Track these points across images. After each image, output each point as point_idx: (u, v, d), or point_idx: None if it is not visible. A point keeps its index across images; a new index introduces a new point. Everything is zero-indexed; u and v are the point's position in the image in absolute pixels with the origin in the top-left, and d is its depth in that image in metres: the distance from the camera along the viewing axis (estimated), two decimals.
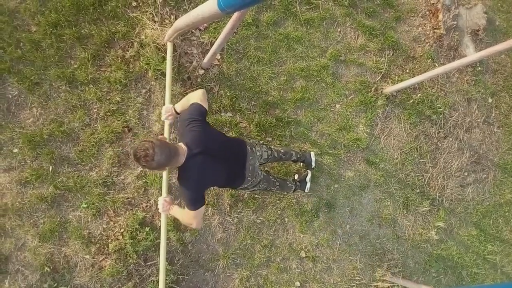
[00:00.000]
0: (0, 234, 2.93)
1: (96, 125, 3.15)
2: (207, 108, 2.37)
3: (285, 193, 3.44)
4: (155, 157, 1.93)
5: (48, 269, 2.97)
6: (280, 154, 3.09)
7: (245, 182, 2.63)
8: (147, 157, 1.93)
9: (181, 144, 2.19)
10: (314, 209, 3.56)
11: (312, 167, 3.44)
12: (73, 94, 3.11)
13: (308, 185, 3.38)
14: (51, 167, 3.05)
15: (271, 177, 2.99)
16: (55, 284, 2.97)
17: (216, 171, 2.35)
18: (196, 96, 2.39)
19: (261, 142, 3.07)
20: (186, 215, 2.30)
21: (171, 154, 2.04)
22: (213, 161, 2.29)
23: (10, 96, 3.01)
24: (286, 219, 3.50)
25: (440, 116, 3.96)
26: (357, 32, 3.86)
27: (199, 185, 2.26)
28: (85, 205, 3.08)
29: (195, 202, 2.21)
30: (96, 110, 3.16)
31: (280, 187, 3.08)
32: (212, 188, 3.30)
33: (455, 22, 4.02)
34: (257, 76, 3.52)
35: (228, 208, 3.36)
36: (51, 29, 3.07)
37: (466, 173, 4.02)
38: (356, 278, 3.59)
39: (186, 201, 2.23)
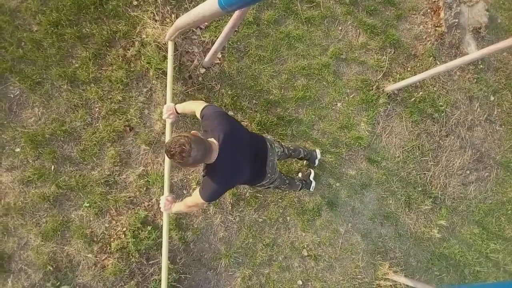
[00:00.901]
0: (3, 233, 2.94)
1: (97, 124, 3.16)
2: None
3: (292, 191, 3.43)
4: (192, 153, 1.86)
5: (51, 268, 2.97)
6: (290, 151, 3.08)
7: (265, 179, 2.57)
8: (183, 153, 1.84)
9: (212, 139, 2.11)
10: (316, 207, 3.56)
11: (315, 165, 3.43)
12: (74, 94, 3.12)
13: (313, 184, 3.39)
14: (53, 166, 3.05)
15: (282, 174, 2.98)
16: (58, 283, 2.98)
17: (243, 167, 2.29)
18: (201, 103, 2.33)
19: (275, 138, 3.04)
20: (191, 199, 2.25)
21: (207, 150, 1.97)
22: (240, 157, 2.23)
23: (12, 96, 3.02)
24: (288, 218, 3.50)
25: (442, 114, 3.95)
26: (358, 30, 3.85)
27: (228, 182, 2.23)
28: (87, 204, 3.08)
29: (214, 196, 2.18)
30: (97, 109, 3.17)
31: (289, 185, 3.07)
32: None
33: (457, 20, 4.01)
34: (258, 75, 3.52)
35: (230, 207, 3.36)
36: (52, 29, 3.07)
37: (468, 171, 4.01)
38: (358, 276, 3.59)
39: (207, 193, 2.14)
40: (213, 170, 2.12)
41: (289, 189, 3.25)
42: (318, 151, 3.45)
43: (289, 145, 3.14)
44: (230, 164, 2.15)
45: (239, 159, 2.21)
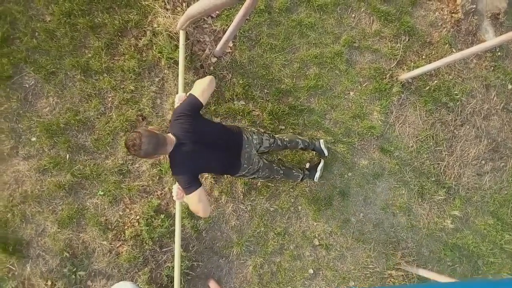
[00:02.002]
0: (21, 220, 3.02)
1: (111, 114, 3.19)
2: (203, 102, 2.40)
3: (292, 181, 3.43)
4: (142, 147, 2.07)
5: (68, 254, 3.05)
6: (285, 143, 3.09)
7: (242, 170, 2.68)
8: (135, 147, 2.08)
9: (169, 134, 2.30)
10: (328, 197, 3.55)
11: (325, 155, 3.41)
12: (88, 83, 3.15)
13: (318, 174, 3.34)
14: (68, 155, 3.11)
15: (274, 165, 2.99)
16: (74, 269, 3.06)
17: (206, 157, 2.43)
18: (200, 86, 2.43)
19: (262, 131, 3.07)
20: (190, 202, 2.36)
21: (159, 144, 2.16)
22: (203, 149, 2.38)
23: (27, 86, 3.07)
24: (300, 207, 3.51)
25: (457, 103, 3.87)
26: (372, 17, 3.77)
27: (188, 168, 2.34)
28: (102, 193, 3.14)
29: (189, 185, 2.29)
30: (110, 99, 3.20)
31: (284, 175, 3.09)
32: (225, 176, 3.32)
33: (474, 6, 3.89)
34: (269, 64, 3.50)
35: (242, 196, 3.37)
36: (65, 19, 3.10)
37: (483, 161, 3.94)
38: (370, 266, 3.59)
39: (181, 187, 2.34)
40: (172, 162, 2.36)
41: (286, 179, 3.26)
42: (322, 142, 3.38)
43: (284, 137, 3.12)
44: (186, 155, 2.32)
45: (199, 150, 2.36)
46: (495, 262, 3.87)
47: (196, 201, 2.31)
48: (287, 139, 3.13)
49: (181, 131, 2.32)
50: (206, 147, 2.41)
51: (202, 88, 2.41)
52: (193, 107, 2.39)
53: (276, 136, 3.07)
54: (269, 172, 2.93)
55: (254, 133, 2.84)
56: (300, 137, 3.32)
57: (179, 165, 2.35)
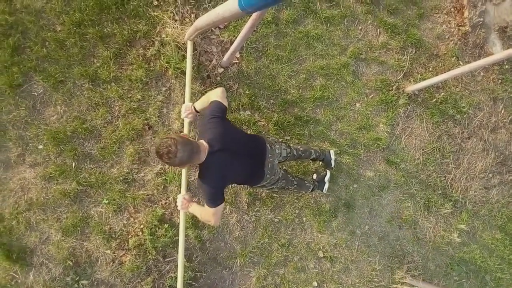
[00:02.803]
0: (25, 227, 3.02)
1: (117, 123, 3.21)
2: (227, 106, 2.37)
3: (303, 192, 3.42)
4: (178, 154, 1.95)
5: (71, 263, 3.04)
6: (299, 152, 3.06)
7: (264, 180, 2.62)
8: (170, 154, 1.94)
9: (202, 141, 2.20)
10: (333, 209, 3.52)
11: (332, 166, 3.40)
12: (95, 92, 3.18)
13: (327, 185, 3.34)
14: (74, 163, 3.12)
15: (289, 175, 2.97)
16: (77, 278, 3.05)
17: (236, 168, 2.34)
18: (216, 94, 2.39)
19: (280, 140, 3.06)
20: (205, 212, 2.31)
21: (193, 151, 2.05)
22: (233, 158, 2.29)
23: (36, 94, 3.10)
24: (304, 219, 3.48)
25: (464, 115, 3.85)
26: (378, 29, 3.78)
27: (220, 182, 2.26)
28: (106, 201, 3.14)
29: (215, 199, 2.21)
30: (117, 108, 3.22)
31: (298, 186, 3.06)
32: (230, 185, 3.32)
33: (482, 19, 3.89)
34: (276, 75, 3.51)
35: (246, 207, 3.36)
36: (75, 28, 3.14)
37: (490, 175, 3.89)
38: (375, 279, 3.54)
39: (206, 198, 2.24)
40: (203, 171, 2.22)
41: (299, 190, 3.24)
42: (332, 152, 3.39)
43: (299, 146, 3.11)
44: (220, 165, 2.22)
45: (230, 160, 2.27)
46: (503, 278, 3.81)
47: (212, 213, 2.24)
48: (301, 149, 3.11)
49: (214, 136, 2.21)
50: (235, 156, 2.31)
51: (219, 95, 2.37)
52: (220, 110, 2.31)
53: (291, 145, 3.04)
54: (285, 182, 2.88)
55: (276, 142, 2.80)
56: (312, 147, 3.32)
57: (209, 177, 2.22)
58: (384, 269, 3.58)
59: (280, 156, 2.79)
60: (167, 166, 3.24)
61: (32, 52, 3.07)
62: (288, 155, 2.89)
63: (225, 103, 2.37)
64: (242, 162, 2.39)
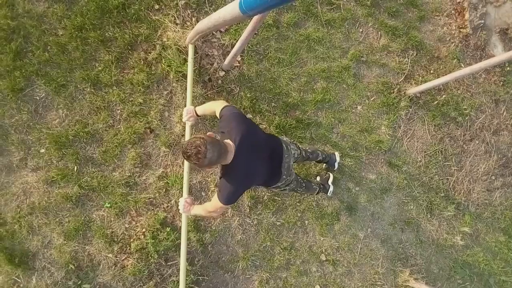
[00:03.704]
0: (28, 231, 3.02)
1: (119, 126, 3.21)
2: None
3: (309, 194, 3.40)
4: (208, 154, 1.87)
5: (73, 267, 3.04)
6: (308, 154, 3.05)
7: (280, 181, 2.55)
8: (199, 154, 1.86)
9: (228, 141, 2.12)
10: (335, 212, 3.51)
11: (334, 169, 3.39)
12: (97, 96, 3.18)
13: (331, 188, 3.35)
14: (76, 167, 3.12)
15: (299, 177, 2.96)
16: (79, 282, 3.04)
17: (259, 168, 2.30)
18: (222, 103, 2.34)
19: (291, 140, 3.03)
20: (211, 204, 2.25)
21: (222, 151, 1.98)
22: (256, 159, 2.24)
23: (38, 98, 3.11)
24: (306, 222, 3.47)
25: (466, 118, 3.84)
26: (379, 32, 3.79)
27: (244, 183, 2.23)
28: (108, 205, 3.14)
29: (233, 198, 2.17)
30: (119, 111, 3.22)
31: (306, 188, 3.04)
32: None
33: (483, 21, 3.89)
34: (277, 78, 3.51)
35: (248, 210, 3.35)
36: (76, 33, 3.15)
37: (493, 177, 3.88)
38: (378, 283, 3.52)
39: (224, 195, 2.14)
40: (229, 171, 2.13)
41: (306, 192, 3.23)
42: (337, 154, 3.40)
43: (307, 148, 3.11)
44: (246, 165, 2.15)
45: (255, 160, 2.22)
46: (507, 281, 3.78)
47: (220, 207, 2.19)
48: (310, 150, 3.09)
49: (240, 135, 2.12)
50: (258, 156, 2.26)
51: (225, 103, 2.33)
52: (239, 111, 2.26)
53: (301, 147, 3.00)
54: (296, 184, 2.84)
55: (291, 143, 2.76)
56: (319, 149, 3.31)
57: (237, 177, 2.14)
58: (387, 272, 3.56)
59: (293, 156, 2.74)
60: (168, 169, 3.24)
61: (34, 56, 3.09)
62: (299, 156, 2.86)
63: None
64: (264, 162, 2.34)
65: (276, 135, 2.78)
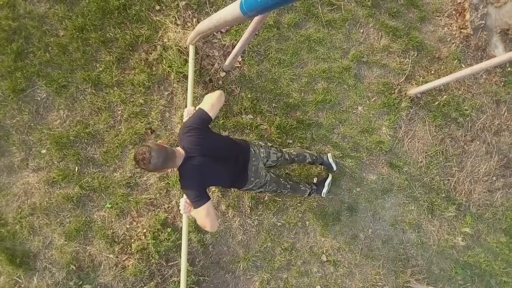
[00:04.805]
0: (29, 232, 3.03)
1: (120, 127, 3.22)
2: (213, 116, 2.40)
3: (300, 196, 3.40)
4: (152, 160, 2.08)
5: (74, 267, 3.04)
6: (292, 157, 3.08)
7: (249, 183, 2.67)
8: (144, 160, 2.08)
9: (178, 148, 2.31)
10: (336, 212, 3.51)
11: (334, 169, 3.39)
12: (98, 97, 3.19)
13: (326, 189, 3.33)
14: (77, 168, 3.13)
15: (281, 179, 2.98)
16: (80, 282, 3.04)
17: (215, 171, 2.43)
18: (210, 100, 2.42)
19: (269, 144, 3.07)
20: (198, 217, 2.33)
21: (167, 158, 2.16)
22: (211, 162, 2.37)
23: (39, 99, 3.12)
24: (307, 222, 3.47)
25: (467, 118, 3.83)
26: (380, 32, 3.79)
27: (197, 182, 2.33)
28: (109, 205, 3.14)
29: (198, 199, 2.27)
30: (120, 112, 3.23)
31: (291, 189, 3.07)
32: (233, 190, 3.31)
33: (483, 22, 3.89)
34: (278, 78, 3.51)
35: (249, 210, 3.35)
36: (77, 33, 3.16)
37: (494, 178, 3.87)
38: (379, 283, 3.52)
39: (190, 200, 2.32)
40: (181, 174, 2.34)
41: (293, 193, 3.25)
42: (330, 156, 3.39)
43: (291, 151, 3.12)
44: (196, 168, 2.31)
45: (208, 164, 2.36)
46: (508, 282, 3.77)
47: (204, 215, 2.27)
48: (294, 153, 3.12)
49: (190, 144, 2.32)
50: (214, 161, 2.40)
51: (211, 102, 2.41)
52: (202, 121, 2.39)
53: (284, 150, 3.06)
54: (276, 186, 2.92)
55: (261, 146, 2.84)
56: (307, 151, 3.31)
57: (187, 179, 2.33)
58: (388, 273, 3.56)
59: (269, 160, 2.84)
60: (169, 170, 3.24)
61: (35, 57, 3.09)
62: (279, 159, 2.93)
63: (212, 113, 2.39)
64: (223, 165, 2.48)
65: (246, 140, 2.84)
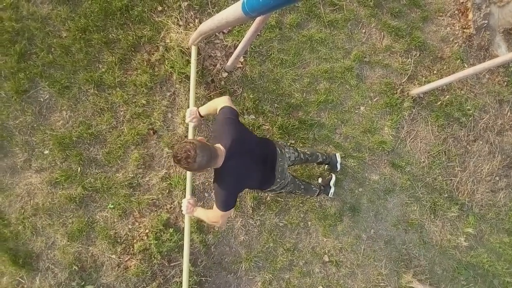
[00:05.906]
0: (32, 232, 3.04)
1: (122, 128, 3.22)
2: (237, 111, 2.35)
3: (309, 196, 3.41)
4: (197, 159, 1.91)
5: (76, 268, 3.05)
6: (307, 156, 3.05)
7: (274, 184, 2.59)
8: (189, 159, 1.91)
9: (219, 145, 2.15)
10: (338, 213, 3.51)
11: (337, 170, 3.39)
12: (100, 97, 3.20)
13: (332, 189, 3.34)
14: (79, 168, 3.13)
15: (296, 180, 2.96)
16: (83, 283, 3.05)
17: (251, 172, 2.33)
18: (224, 101, 2.36)
19: (287, 143, 3.04)
20: (212, 214, 2.28)
21: (212, 156, 2.02)
22: (248, 163, 2.27)
23: (42, 100, 3.13)
24: (309, 223, 3.47)
25: (470, 118, 3.82)
26: (382, 33, 3.78)
27: (236, 187, 2.24)
28: (112, 206, 3.15)
29: (229, 203, 2.19)
30: (122, 112, 3.24)
31: (305, 190, 3.05)
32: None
33: (486, 21, 3.88)
34: (280, 78, 3.51)
35: (251, 211, 3.35)
36: (80, 34, 3.17)
37: (497, 178, 3.86)
38: (381, 284, 3.51)
39: (219, 201, 2.19)
40: (221, 175, 2.18)
41: (305, 194, 3.22)
42: (338, 155, 3.39)
43: (306, 150, 3.10)
44: (237, 169, 2.19)
45: (246, 164, 2.25)
46: (511, 282, 3.75)
47: (221, 215, 2.22)
48: (308, 153, 3.09)
49: (230, 141, 2.16)
50: (250, 160, 2.29)
51: (227, 102, 2.34)
52: (234, 114, 2.28)
53: (298, 149, 3.02)
54: (293, 187, 2.86)
55: (285, 146, 2.79)
56: (319, 151, 3.31)
57: (227, 181, 2.18)
58: (390, 274, 3.55)
59: (289, 160, 2.77)
60: (171, 170, 3.25)
61: (38, 58, 3.10)
62: (296, 159, 2.88)
63: (235, 108, 2.34)
64: (256, 166, 2.37)
65: (271, 138, 2.77)
